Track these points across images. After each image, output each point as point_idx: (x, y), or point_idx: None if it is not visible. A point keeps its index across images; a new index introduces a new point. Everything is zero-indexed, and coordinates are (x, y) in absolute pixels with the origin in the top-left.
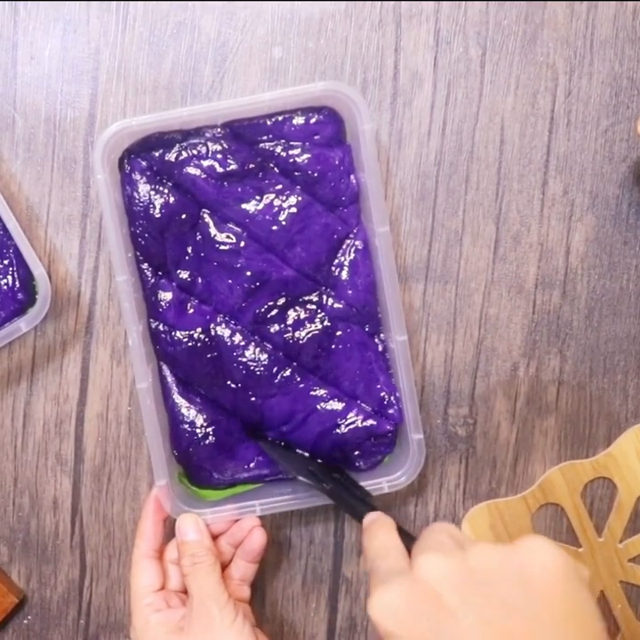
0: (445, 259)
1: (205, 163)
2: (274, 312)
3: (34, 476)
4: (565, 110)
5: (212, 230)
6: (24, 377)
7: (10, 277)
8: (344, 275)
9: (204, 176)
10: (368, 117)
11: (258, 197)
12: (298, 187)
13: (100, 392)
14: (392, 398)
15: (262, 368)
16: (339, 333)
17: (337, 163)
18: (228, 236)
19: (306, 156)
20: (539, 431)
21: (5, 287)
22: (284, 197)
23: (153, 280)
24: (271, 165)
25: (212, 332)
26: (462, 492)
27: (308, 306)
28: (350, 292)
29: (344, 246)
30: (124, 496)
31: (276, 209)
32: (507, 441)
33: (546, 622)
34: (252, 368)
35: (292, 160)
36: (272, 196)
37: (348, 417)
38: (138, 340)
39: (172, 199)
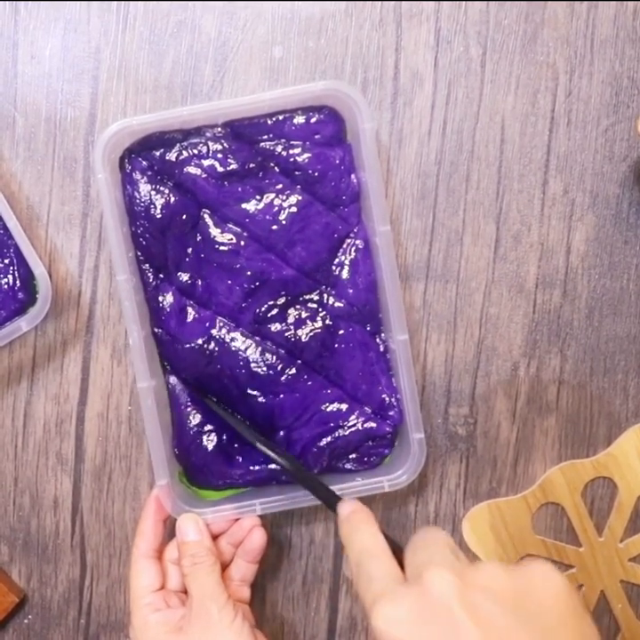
0: (446, 258)
1: (206, 162)
2: (274, 311)
3: (34, 475)
4: (566, 110)
5: (213, 230)
6: (24, 376)
7: (10, 277)
8: (345, 274)
9: (204, 175)
10: (368, 116)
11: (258, 197)
12: (298, 186)
13: (100, 391)
14: (393, 400)
15: (266, 367)
16: (341, 332)
17: (337, 162)
18: (227, 237)
19: (306, 155)
20: (539, 431)
21: (6, 286)
22: (285, 197)
23: (154, 282)
24: (271, 165)
25: (214, 340)
26: (462, 491)
27: (309, 305)
28: (351, 291)
29: (345, 245)
30: (125, 495)
31: (277, 208)
32: (507, 440)
33: None
34: (256, 368)
35: (292, 159)
36: (272, 195)
37: (350, 419)
38: (138, 341)
39: (172, 199)
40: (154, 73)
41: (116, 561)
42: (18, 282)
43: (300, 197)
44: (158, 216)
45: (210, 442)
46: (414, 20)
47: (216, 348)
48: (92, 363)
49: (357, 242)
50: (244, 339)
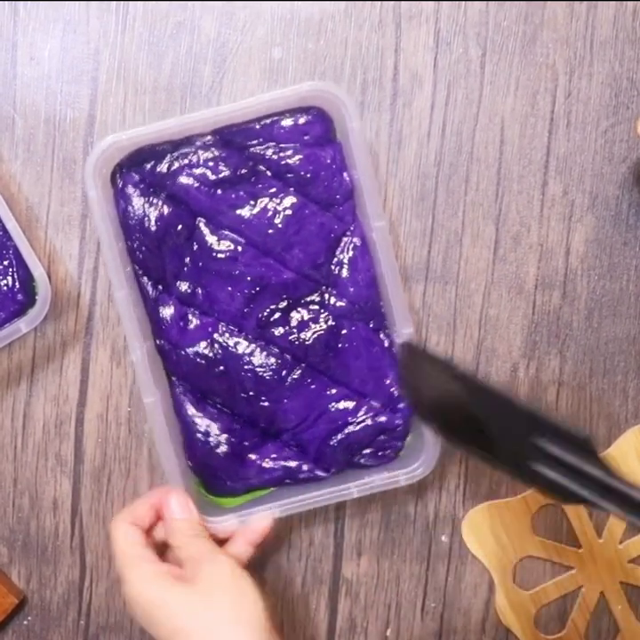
0: (445, 259)
1: (197, 171)
2: (277, 315)
3: (34, 476)
4: (565, 111)
5: (209, 239)
6: (24, 378)
7: (9, 278)
8: (344, 272)
9: (196, 185)
10: (356, 115)
11: (252, 202)
12: (291, 188)
13: (99, 393)
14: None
15: (271, 372)
16: (344, 331)
17: (328, 161)
18: (224, 244)
19: (297, 157)
20: None
21: (5, 288)
22: (278, 200)
23: (154, 295)
24: (263, 169)
25: (217, 344)
26: (462, 492)
27: (311, 306)
28: (352, 289)
29: (342, 244)
30: (124, 497)
31: (271, 212)
32: None
33: None
34: (261, 373)
35: (283, 162)
36: (266, 199)
37: (359, 416)
38: (142, 357)
39: (166, 210)
40: (153, 74)
41: None
42: (17, 283)
43: (294, 200)
44: (153, 228)
45: (221, 446)
46: (414, 22)
47: (219, 352)
48: (92, 364)
49: (354, 240)
50: (247, 343)
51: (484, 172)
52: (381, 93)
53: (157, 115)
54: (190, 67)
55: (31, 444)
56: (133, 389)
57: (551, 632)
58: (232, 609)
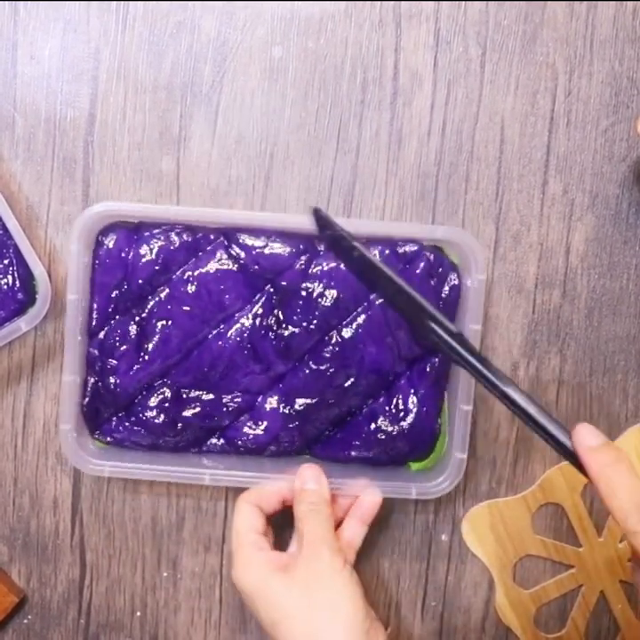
0: None
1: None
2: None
3: (34, 475)
4: (565, 110)
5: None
6: (24, 376)
7: (10, 277)
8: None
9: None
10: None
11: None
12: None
13: None
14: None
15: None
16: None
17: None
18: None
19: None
20: None
21: (5, 287)
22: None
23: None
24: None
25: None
26: (462, 491)
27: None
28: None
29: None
30: (124, 496)
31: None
32: (507, 441)
33: None
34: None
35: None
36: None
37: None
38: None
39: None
40: (153, 73)
41: (116, 561)
42: (17, 282)
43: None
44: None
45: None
46: (414, 21)
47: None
48: None
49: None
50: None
51: (484, 171)
52: (381, 92)
53: (157, 114)
54: (190, 66)
55: (31, 443)
56: None
57: (551, 631)
58: (330, 608)
